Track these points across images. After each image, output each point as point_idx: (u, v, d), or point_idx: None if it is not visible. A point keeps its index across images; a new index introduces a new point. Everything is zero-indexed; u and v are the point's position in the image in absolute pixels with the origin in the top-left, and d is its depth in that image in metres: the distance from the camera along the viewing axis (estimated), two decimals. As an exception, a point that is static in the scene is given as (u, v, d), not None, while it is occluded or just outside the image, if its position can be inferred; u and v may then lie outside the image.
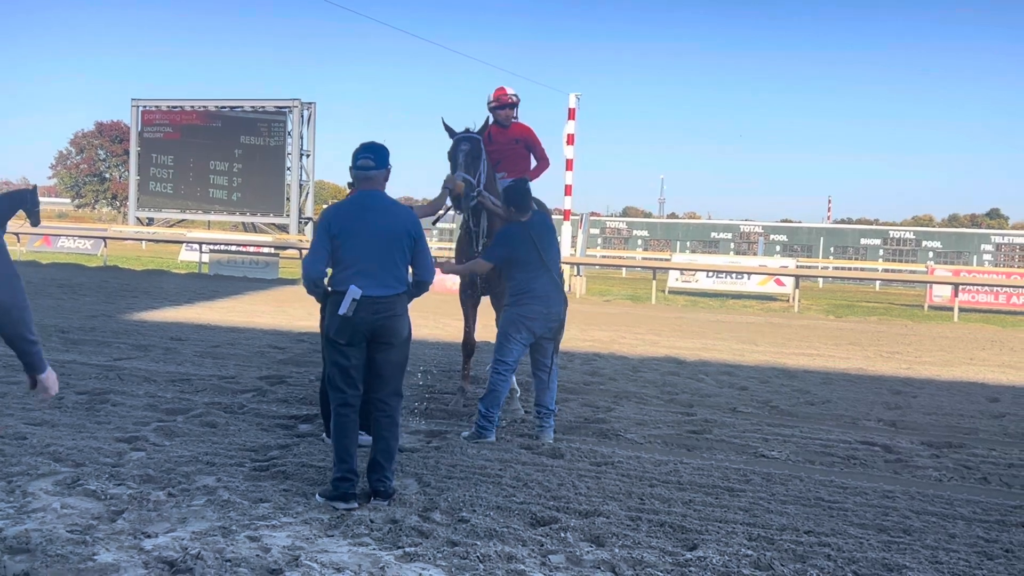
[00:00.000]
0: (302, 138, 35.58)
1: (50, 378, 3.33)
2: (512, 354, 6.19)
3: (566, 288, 6.70)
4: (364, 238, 4.75)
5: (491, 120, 7.38)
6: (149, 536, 4.08)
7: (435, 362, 9.58)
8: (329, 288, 4.84)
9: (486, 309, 7.84)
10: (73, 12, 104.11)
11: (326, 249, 4.77)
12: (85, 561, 3.77)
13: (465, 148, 6.89)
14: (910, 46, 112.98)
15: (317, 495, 4.75)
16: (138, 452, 5.46)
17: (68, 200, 68.41)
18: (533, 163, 7.65)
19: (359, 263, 4.73)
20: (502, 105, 7.49)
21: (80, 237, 28.86)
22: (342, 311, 4.68)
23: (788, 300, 21.39)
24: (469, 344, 7.49)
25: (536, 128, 7.71)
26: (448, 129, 7.13)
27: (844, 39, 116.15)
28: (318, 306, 5.13)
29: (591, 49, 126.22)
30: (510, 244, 6.16)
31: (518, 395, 7.27)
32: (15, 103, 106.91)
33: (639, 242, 39.16)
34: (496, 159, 7.31)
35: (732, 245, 37.28)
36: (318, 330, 5.53)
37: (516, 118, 7.63)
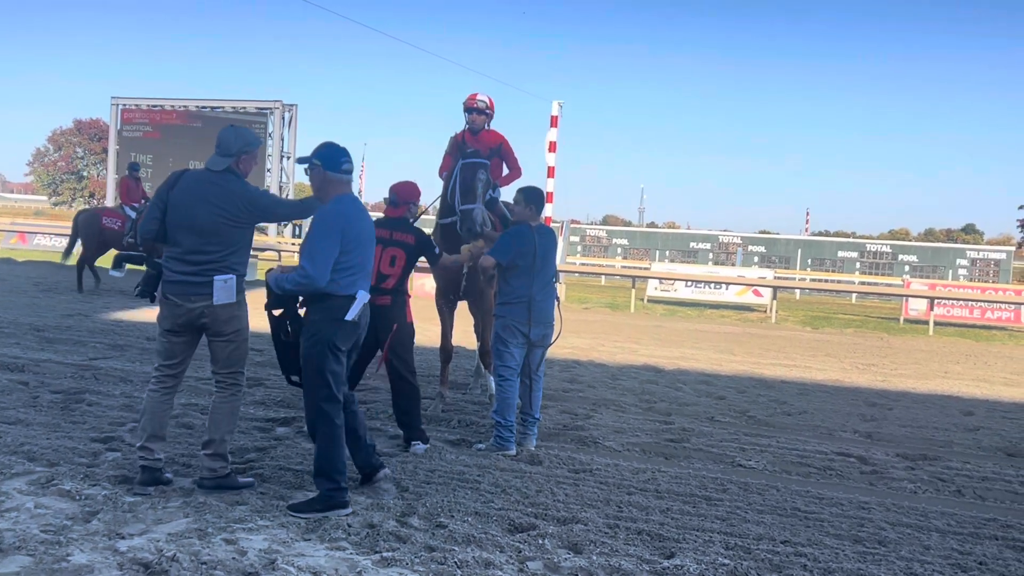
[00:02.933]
0: (283, 140, 35.45)
1: None
2: (512, 359, 6.19)
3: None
4: (365, 244, 4.79)
5: (465, 127, 7.56)
6: (124, 537, 4.04)
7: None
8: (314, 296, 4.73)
9: (464, 314, 7.85)
10: (53, 8, 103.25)
11: (334, 254, 4.58)
12: (59, 562, 3.73)
13: (483, 178, 6.90)
14: (892, 60, 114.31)
15: (294, 512, 4.51)
16: (114, 452, 5.42)
17: (45, 198, 67.73)
18: (505, 171, 7.72)
19: (364, 267, 4.78)
20: (468, 109, 7.58)
21: (56, 235, 28.44)
22: (351, 316, 4.65)
23: (766, 311, 21.51)
24: (447, 349, 7.48)
25: (518, 135, 7.77)
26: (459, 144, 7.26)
27: (825, 51, 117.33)
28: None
29: (574, 58, 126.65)
30: (519, 245, 6.17)
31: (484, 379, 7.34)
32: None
33: (619, 250, 39.30)
34: None
35: (711, 255, 37.47)
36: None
37: (487, 127, 7.66)
